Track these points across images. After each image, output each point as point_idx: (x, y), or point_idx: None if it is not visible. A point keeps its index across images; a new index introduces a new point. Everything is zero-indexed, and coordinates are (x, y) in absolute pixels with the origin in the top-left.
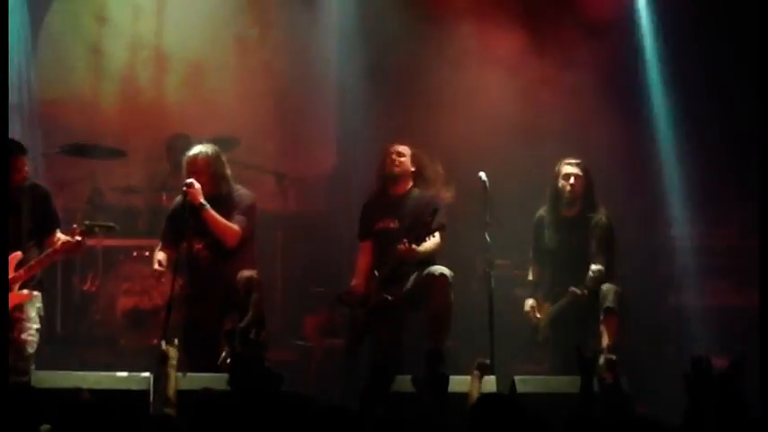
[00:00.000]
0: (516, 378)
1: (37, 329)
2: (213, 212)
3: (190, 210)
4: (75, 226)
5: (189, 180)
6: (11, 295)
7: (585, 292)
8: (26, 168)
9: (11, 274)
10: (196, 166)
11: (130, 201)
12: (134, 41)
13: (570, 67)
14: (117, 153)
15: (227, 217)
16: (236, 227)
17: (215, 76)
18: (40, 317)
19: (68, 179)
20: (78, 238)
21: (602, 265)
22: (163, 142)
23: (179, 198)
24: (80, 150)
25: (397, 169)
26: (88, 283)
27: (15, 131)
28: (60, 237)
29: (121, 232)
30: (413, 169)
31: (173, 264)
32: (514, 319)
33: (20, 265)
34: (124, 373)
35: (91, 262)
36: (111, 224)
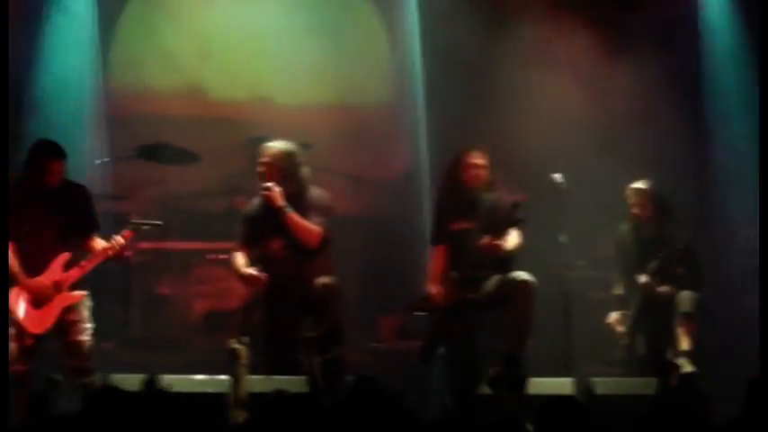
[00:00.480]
0: (593, 380)
1: (91, 329)
2: (294, 214)
3: (268, 212)
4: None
5: (268, 184)
6: (63, 296)
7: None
8: (62, 171)
9: (59, 276)
10: (271, 167)
11: (203, 204)
12: (205, 45)
13: (643, 73)
14: (190, 156)
15: (304, 217)
16: (317, 228)
17: (287, 79)
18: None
19: (140, 183)
20: (122, 239)
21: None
22: (235, 144)
23: (256, 200)
24: (152, 154)
25: (479, 184)
26: (164, 287)
27: (87, 135)
28: (99, 241)
29: (196, 235)
30: (479, 164)
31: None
32: (590, 320)
33: (68, 266)
34: (201, 376)
35: (166, 265)
36: (158, 222)
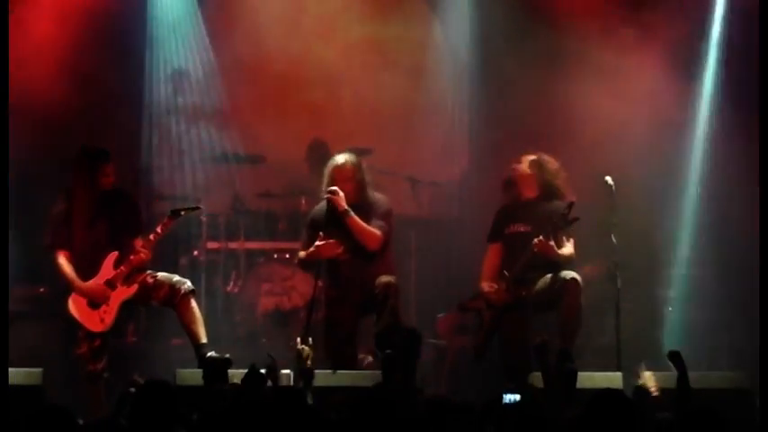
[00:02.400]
0: (645, 372)
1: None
2: (357, 218)
3: (331, 216)
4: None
5: (333, 188)
6: (117, 292)
7: None
8: (113, 174)
9: (111, 274)
10: (343, 174)
11: (270, 205)
12: (274, 52)
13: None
14: (257, 159)
15: (366, 221)
16: (378, 232)
17: (349, 87)
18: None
19: (211, 185)
20: (162, 227)
21: None
22: (301, 148)
23: (320, 204)
24: (223, 157)
25: (530, 192)
26: (231, 285)
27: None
28: (139, 242)
29: (262, 235)
30: (529, 172)
31: (314, 267)
32: (639, 317)
33: (118, 264)
34: (264, 371)
35: (233, 264)
36: (197, 205)
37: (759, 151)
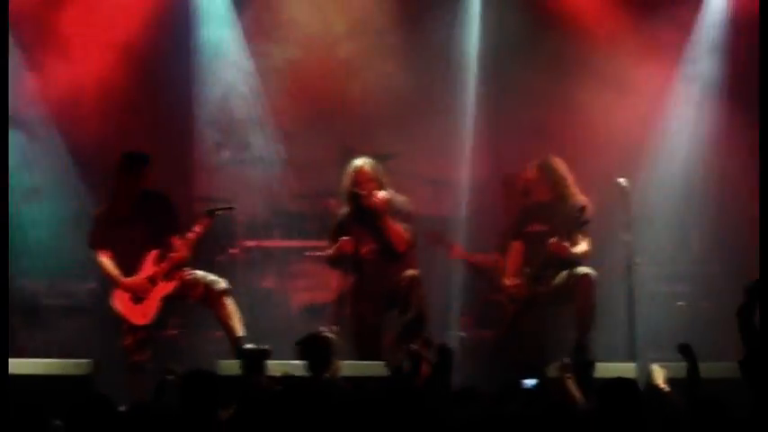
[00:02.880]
0: (653, 366)
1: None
2: (391, 220)
3: (358, 217)
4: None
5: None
6: (158, 287)
7: None
8: (152, 177)
9: (152, 270)
10: (363, 177)
11: (302, 206)
12: (307, 62)
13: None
14: (291, 163)
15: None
16: (407, 234)
17: (374, 93)
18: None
19: (248, 187)
20: (200, 227)
21: None
22: (331, 153)
23: (347, 207)
24: (260, 161)
25: (545, 195)
26: (266, 281)
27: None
28: (177, 240)
29: (295, 234)
30: (537, 177)
31: (342, 264)
32: (652, 311)
33: (158, 260)
34: (299, 362)
35: (269, 262)
36: (230, 206)
37: (759, 150)
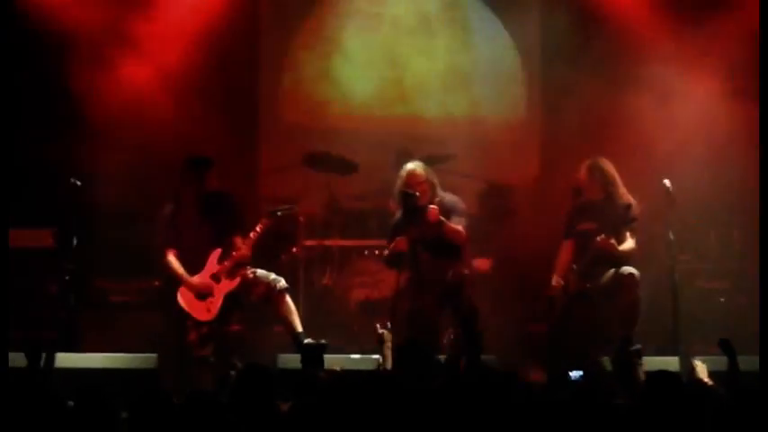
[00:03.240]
0: (695, 359)
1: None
2: (447, 223)
3: (414, 215)
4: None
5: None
6: (222, 285)
7: None
8: (216, 179)
9: (216, 269)
10: (416, 179)
11: (361, 206)
12: (363, 70)
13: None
14: (351, 166)
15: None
16: (462, 230)
17: (431, 96)
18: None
19: (309, 188)
20: (261, 227)
21: None
22: (389, 155)
23: (401, 211)
24: (319, 164)
25: (594, 194)
26: (326, 278)
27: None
28: (240, 240)
29: (353, 233)
30: (587, 177)
31: (397, 263)
32: (695, 307)
33: (222, 259)
34: (357, 355)
35: (328, 260)
36: (291, 205)
37: (759, 150)
